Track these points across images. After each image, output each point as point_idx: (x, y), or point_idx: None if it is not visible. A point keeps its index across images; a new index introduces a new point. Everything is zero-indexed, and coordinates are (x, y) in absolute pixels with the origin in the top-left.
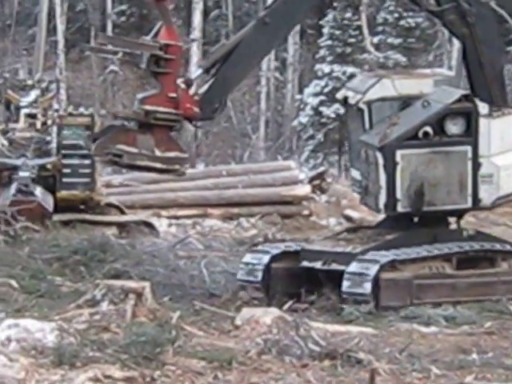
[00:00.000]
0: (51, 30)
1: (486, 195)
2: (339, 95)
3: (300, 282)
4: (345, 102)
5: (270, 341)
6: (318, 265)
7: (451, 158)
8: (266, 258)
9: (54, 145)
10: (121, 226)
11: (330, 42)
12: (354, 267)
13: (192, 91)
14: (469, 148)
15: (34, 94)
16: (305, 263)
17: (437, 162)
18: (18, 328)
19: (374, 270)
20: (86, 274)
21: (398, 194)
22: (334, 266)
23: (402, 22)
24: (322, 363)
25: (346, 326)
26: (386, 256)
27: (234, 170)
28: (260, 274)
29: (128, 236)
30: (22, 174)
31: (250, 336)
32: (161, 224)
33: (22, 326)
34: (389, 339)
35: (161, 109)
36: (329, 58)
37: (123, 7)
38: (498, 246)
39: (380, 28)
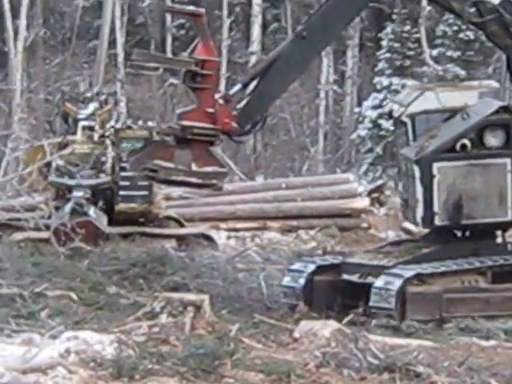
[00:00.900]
0: (111, 43)
1: None
2: (386, 108)
3: (340, 294)
4: (390, 115)
5: (329, 354)
6: (354, 278)
7: (490, 171)
8: (310, 268)
9: (108, 165)
10: (180, 238)
11: (388, 55)
12: (380, 281)
13: (231, 107)
14: (508, 160)
15: (92, 107)
16: (345, 276)
17: (475, 175)
18: (77, 340)
19: (398, 283)
20: (145, 286)
21: (436, 207)
22: (369, 280)
23: (461, 35)
24: (380, 376)
25: (405, 339)
26: (412, 270)
27: (293, 182)
28: (303, 282)
29: (187, 249)
30: (76, 193)
31: (309, 349)
32: (220, 237)
33: (81, 338)
34: (448, 352)
35: (198, 124)
36: (388, 71)
37: (182, 20)
38: None
39: (439, 41)
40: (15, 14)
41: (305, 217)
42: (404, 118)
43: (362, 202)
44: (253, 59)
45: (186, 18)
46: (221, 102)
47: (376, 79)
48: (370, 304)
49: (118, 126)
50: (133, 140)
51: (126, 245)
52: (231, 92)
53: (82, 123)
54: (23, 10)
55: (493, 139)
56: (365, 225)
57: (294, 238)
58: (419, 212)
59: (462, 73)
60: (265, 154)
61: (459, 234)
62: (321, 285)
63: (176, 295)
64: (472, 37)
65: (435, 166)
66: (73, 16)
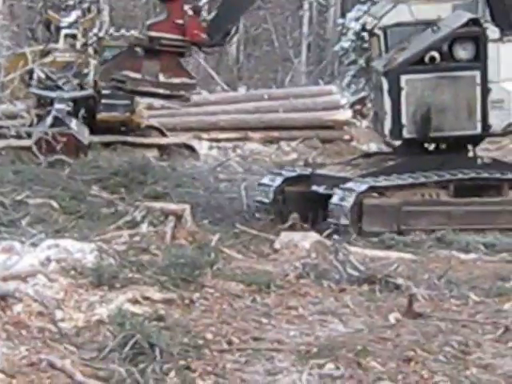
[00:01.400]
0: None
1: (497, 121)
2: (361, 21)
3: (311, 205)
4: (364, 28)
5: (309, 265)
6: (321, 189)
7: (459, 84)
8: (279, 181)
9: (91, 76)
10: (162, 148)
11: None
12: (336, 197)
13: (200, 18)
14: (477, 73)
15: (74, 15)
16: (314, 187)
17: (444, 88)
18: (58, 248)
19: (351, 198)
20: (126, 195)
21: (404, 120)
22: (334, 191)
23: None
24: (360, 288)
25: (385, 252)
26: (366, 183)
27: (276, 93)
28: (272, 196)
29: (169, 158)
30: (57, 106)
31: (289, 260)
32: (201, 147)
33: (61, 246)
34: (428, 265)
35: (167, 35)
36: None
37: None
38: (505, 175)
39: None
40: None
41: (287, 128)
42: (376, 31)
43: (345, 114)
44: None
45: None
46: (190, 12)
47: None
48: (328, 220)
49: (101, 34)
50: (115, 48)
51: (107, 154)
52: (201, 2)
53: (64, 31)
54: None
55: (462, 52)
56: (347, 137)
57: (275, 149)
58: (387, 124)
59: None
60: (248, 64)
61: (430, 147)
62: (291, 196)
63: (157, 204)
64: None
65: (403, 78)
66: None
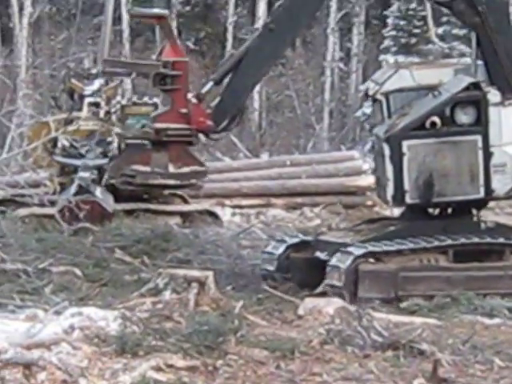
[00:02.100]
0: (116, 20)
1: (500, 185)
2: (363, 87)
3: (315, 272)
4: (366, 94)
5: (333, 331)
6: (323, 255)
7: (461, 148)
8: (283, 248)
9: (115, 145)
10: (184, 215)
11: (394, 33)
12: (334, 259)
13: (205, 105)
14: (479, 137)
15: (97, 83)
16: (317, 253)
17: (445, 153)
18: (82, 316)
19: (348, 262)
20: (149, 262)
21: (406, 186)
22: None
23: None
24: (384, 354)
25: (409, 317)
26: (363, 248)
27: (298, 160)
28: (276, 263)
29: (191, 225)
30: (82, 174)
31: (313, 326)
32: (224, 213)
33: (85, 314)
34: (452, 330)
35: (172, 125)
36: (393, 49)
37: None
38: (505, 240)
39: (445, 18)
40: None
41: (309, 194)
42: (378, 96)
43: (367, 180)
44: None
45: (151, 22)
46: (194, 101)
47: (381, 57)
48: (325, 282)
49: (124, 102)
50: (138, 116)
51: (130, 221)
52: (203, 90)
53: (87, 99)
54: None
55: (464, 116)
56: (369, 202)
57: (298, 215)
58: (389, 190)
59: (468, 50)
60: (270, 131)
61: (433, 212)
62: (296, 263)
63: (180, 271)
64: None
65: (404, 143)
66: None
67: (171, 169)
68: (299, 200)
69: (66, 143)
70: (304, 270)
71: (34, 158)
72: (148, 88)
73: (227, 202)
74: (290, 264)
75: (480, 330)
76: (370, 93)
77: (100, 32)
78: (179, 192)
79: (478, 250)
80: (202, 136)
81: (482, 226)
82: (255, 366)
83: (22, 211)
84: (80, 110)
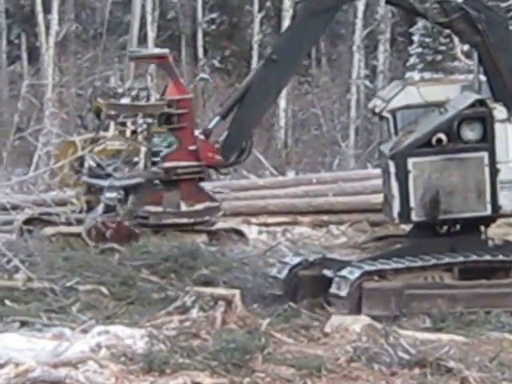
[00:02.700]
0: (142, 38)
1: (507, 202)
2: (371, 104)
3: (323, 289)
4: (374, 111)
5: (360, 348)
6: (329, 273)
7: (467, 165)
8: (294, 264)
9: (141, 165)
10: (211, 233)
11: (420, 50)
12: (342, 272)
13: (212, 140)
14: (485, 154)
15: (123, 102)
16: (325, 271)
17: (452, 170)
18: (109, 335)
19: (355, 275)
20: (176, 280)
21: (412, 203)
22: None
23: None
24: (411, 371)
25: (436, 334)
26: (372, 265)
27: (324, 177)
28: (286, 276)
29: (218, 243)
30: (108, 194)
31: (340, 343)
32: (251, 231)
33: (112, 332)
34: (479, 347)
35: (181, 163)
36: (419, 66)
37: (214, 15)
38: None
39: None
40: (47, 9)
41: (336, 212)
42: (385, 114)
43: None
44: None
45: (152, 63)
46: (201, 137)
47: (407, 74)
48: (330, 291)
49: (150, 120)
50: (164, 134)
51: (157, 239)
52: (210, 126)
53: None
54: (55, 5)
55: (470, 133)
56: None
57: (324, 233)
58: (395, 208)
59: None
60: (296, 148)
61: (441, 229)
62: (304, 280)
63: (207, 290)
64: None
65: (410, 161)
66: (104, 11)
67: (183, 207)
68: (325, 218)
69: (93, 163)
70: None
71: (60, 177)
72: None
73: (253, 219)
74: (298, 281)
75: (507, 347)
76: (377, 110)
77: (126, 51)
78: None
79: (485, 267)
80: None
81: (490, 243)
82: (282, 383)
83: (49, 230)
84: (106, 129)
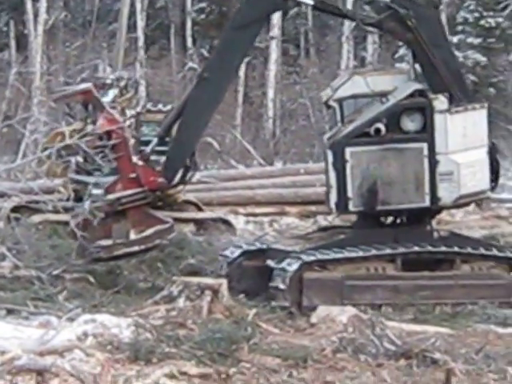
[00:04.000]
0: (131, 27)
1: (446, 194)
2: (322, 94)
3: (265, 279)
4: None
5: (346, 339)
6: (272, 263)
7: (406, 156)
8: (237, 254)
9: (135, 158)
10: (198, 222)
11: None
12: (283, 263)
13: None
14: (424, 145)
15: (112, 94)
16: (268, 261)
17: (390, 160)
18: (95, 323)
19: (294, 267)
20: (163, 270)
21: (349, 193)
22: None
23: (482, 22)
24: (397, 362)
25: (422, 326)
26: (311, 255)
27: (312, 168)
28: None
29: (205, 233)
30: (94, 191)
31: (326, 334)
32: (238, 221)
33: (98, 321)
34: (465, 339)
35: (124, 193)
36: (407, 57)
37: (203, 4)
38: (457, 248)
39: (460, 27)
40: None
41: (323, 202)
42: (332, 103)
43: None
44: (273, 44)
45: (77, 99)
46: (140, 163)
47: (396, 66)
48: (270, 284)
49: (138, 109)
50: (152, 123)
51: None
52: (148, 149)
53: None
54: None
55: (410, 123)
56: None
57: (311, 224)
58: (333, 197)
59: (483, 59)
60: (284, 139)
61: (385, 220)
62: (248, 270)
63: (194, 279)
64: (493, 24)
65: (348, 150)
66: None
67: (132, 235)
68: (313, 208)
69: (81, 159)
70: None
71: (47, 167)
72: (162, 95)
73: (241, 209)
74: (242, 271)
75: (493, 340)
76: (324, 99)
77: (115, 39)
78: (193, 200)
79: (428, 259)
80: (216, 144)
81: (435, 234)
82: (268, 373)
83: (36, 218)
84: (94, 122)
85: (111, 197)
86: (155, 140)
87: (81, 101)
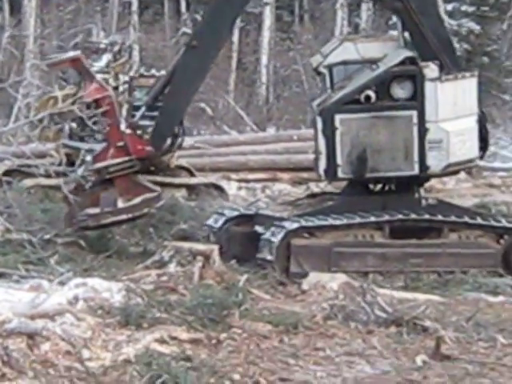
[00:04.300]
0: None
1: (435, 162)
2: (311, 60)
3: (254, 245)
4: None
5: (337, 306)
6: (260, 229)
7: (395, 123)
8: (221, 221)
9: (123, 126)
10: (190, 188)
11: None
12: (267, 233)
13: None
14: (414, 113)
15: (105, 59)
16: (256, 227)
17: (380, 127)
18: (86, 287)
19: (280, 236)
20: (155, 235)
21: (339, 160)
22: None
23: None
24: (387, 330)
25: (413, 294)
26: (296, 222)
27: (305, 134)
28: (217, 237)
29: (197, 198)
30: (88, 158)
31: (317, 301)
32: (230, 187)
33: (89, 285)
34: (455, 307)
35: (112, 161)
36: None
37: None
38: (441, 217)
39: None
40: None
41: None
42: (322, 69)
43: None
44: (266, 10)
45: (66, 66)
46: (128, 131)
47: (390, 32)
48: (257, 255)
49: (131, 74)
50: (146, 88)
51: None
52: (136, 118)
53: None
54: None
55: (400, 91)
56: None
57: (304, 190)
58: (322, 164)
59: (477, 28)
60: (277, 105)
61: (374, 188)
62: (236, 236)
63: (185, 244)
64: None
65: (337, 117)
66: None
67: (120, 204)
68: (305, 175)
69: (74, 125)
70: (244, 243)
71: (40, 129)
72: (155, 60)
73: (233, 175)
74: (229, 237)
75: (484, 308)
76: (314, 65)
77: (109, 3)
78: (186, 165)
79: (416, 226)
80: (209, 110)
81: (423, 202)
82: (258, 339)
83: (28, 182)
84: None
85: (99, 165)
86: (143, 108)
87: (70, 67)
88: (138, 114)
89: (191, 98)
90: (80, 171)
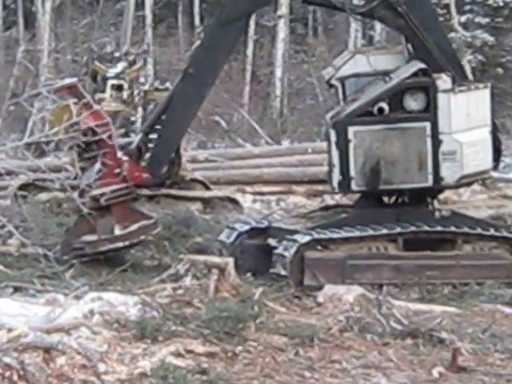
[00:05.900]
0: (139, 5)
1: (449, 173)
2: (324, 72)
3: (267, 258)
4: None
5: (352, 318)
6: (273, 242)
7: (409, 135)
8: (234, 235)
9: (138, 124)
10: (205, 201)
11: None
12: (280, 247)
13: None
14: (427, 124)
15: (120, 66)
16: (269, 240)
17: (393, 140)
18: (101, 301)
19: (293, 250)
20: (170, 248)
21: (352, 172)
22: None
23: (490, 1)
24: (403, 342)
25: (429, 305)
26: (310, 235)
27: (319, 147)
28: (233, 244)
29: (212, 211)
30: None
31: (332, 313)
32: (245, 200)
33: (105, 299)
34: (472, 319)
35: (109, 188)
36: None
37: None
38: (455, 229)
39: (468, 7)
40: None
41: None
42: (334, 82)
43: None
44: (281, 23)
45: (64, 93)
46: (125, 158)
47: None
48: (270, 270)
49: (146, 87)
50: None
51: (151, 206)
52: (133, 145)
53: (110, 81)
54: None
55: (413, 102)
56: None
57: (319, 203)
58: (336, 177)
59: (491, 39)
60: (291, 118)
61: (388, 200)
62: (250, 249)
63: (201, 258)
64: (501, 3)
65: (351, 129)
66: None
67: (117, 231)
68: (320, 187)
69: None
70: (257, 255)
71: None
72: (169, 74)
73: (248, 188)
74: (243, 250)
75: (500, 319)
76: (326, 78)
77: (122, 17)
78: (200, 178)
79: (430, 238)
80: (223, 123)
81: (437, 214)
82: (274, 352)
83: (44, 196)
84: (103, 91)
85: (96, 192)
86: (140, 135)
87: (67, 93)
88: (135, 141)
89: (188, 126)
90: (96, 170)
